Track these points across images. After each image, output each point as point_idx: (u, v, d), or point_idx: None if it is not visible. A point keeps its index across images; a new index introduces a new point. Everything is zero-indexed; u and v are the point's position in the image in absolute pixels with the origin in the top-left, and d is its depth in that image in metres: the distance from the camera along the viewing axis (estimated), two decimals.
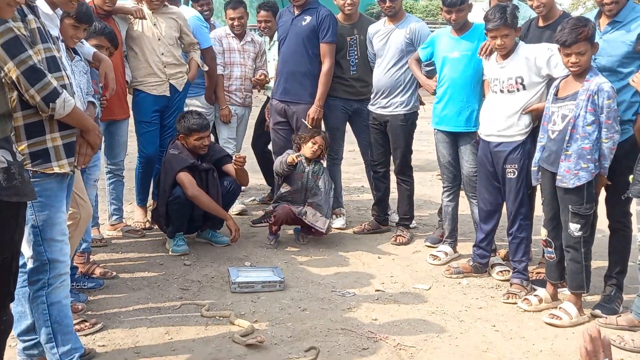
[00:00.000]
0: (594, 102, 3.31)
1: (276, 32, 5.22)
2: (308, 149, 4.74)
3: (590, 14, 3.90)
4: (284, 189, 4.76)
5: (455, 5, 4.10)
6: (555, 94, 3.52)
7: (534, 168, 3.67)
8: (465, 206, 4.67)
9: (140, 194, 5.02)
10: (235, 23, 5.27)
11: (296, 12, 4.92)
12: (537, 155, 3.63)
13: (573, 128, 3.37)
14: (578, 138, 3.36)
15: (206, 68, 5.02)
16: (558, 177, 3.43)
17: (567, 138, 3.38)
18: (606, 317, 3.50)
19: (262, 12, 5.50)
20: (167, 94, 4.75)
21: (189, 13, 5.16)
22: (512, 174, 3.87)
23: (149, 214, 4.99)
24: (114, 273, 4.00)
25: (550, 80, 3.72)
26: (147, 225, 4.93)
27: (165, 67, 4.72)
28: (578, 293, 3.55)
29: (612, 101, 3.30)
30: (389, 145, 4.87)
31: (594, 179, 3.40)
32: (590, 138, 3.33)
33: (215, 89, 5.25)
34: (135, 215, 5.07)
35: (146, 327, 3.33)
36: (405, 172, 4.90)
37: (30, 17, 2.42)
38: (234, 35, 5.31)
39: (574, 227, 3.45)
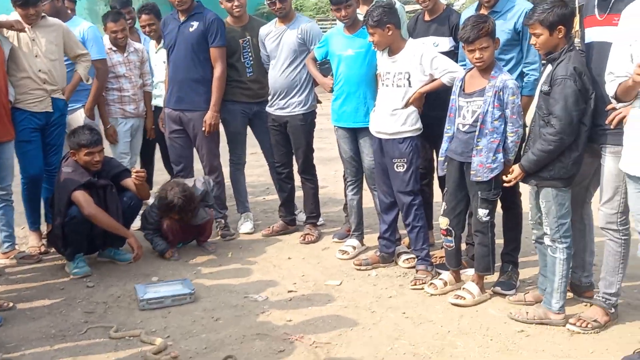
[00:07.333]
0: (500, 98, 3.48)
1: (162, 36, 5.10)
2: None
3: (471, 7, 4.10)
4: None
5: (342, 2, 4.19)
6: (462, 89, 3.65)
7: (441, 158, 3.82)
8: (369, 199, 4.78)
9: (31, 217, 4.73)
10: (119, 35, 5.10)
11: (182, 18, 4.81)
12: (444, 145, 3.76)
13: (482, 123, 3.51)
14: (487, 133, 3.51)
15: (90, 81, 4.76)
16: (472, 172, 3.56)
17: (477, 133, 3.53)
18: (515, 294, 3.72)
19: (144, 16, 5.33)
20: (50, 109, 4.48)
21: (85, 25, 4.95)
22: (402, 167, 4.02)
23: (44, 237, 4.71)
24: (11, 304, 3.76)
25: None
26: (43, 249, 4.65)
27: (44, 83, 4.45)
28: (485, 274, 3.74)
29: (516, 97, 3.48)
30: (290, 146, 4.90)
31: None
32: (497, 132, 3.50)
33: (98, 106, 5.05)
34: (29, 240, 4.78)
35: (51, 357, 3.15)
36: (309, 171, 4.95)
37: None
38: (115, 49, 5.14)
39: (483, 213, 3.62)
